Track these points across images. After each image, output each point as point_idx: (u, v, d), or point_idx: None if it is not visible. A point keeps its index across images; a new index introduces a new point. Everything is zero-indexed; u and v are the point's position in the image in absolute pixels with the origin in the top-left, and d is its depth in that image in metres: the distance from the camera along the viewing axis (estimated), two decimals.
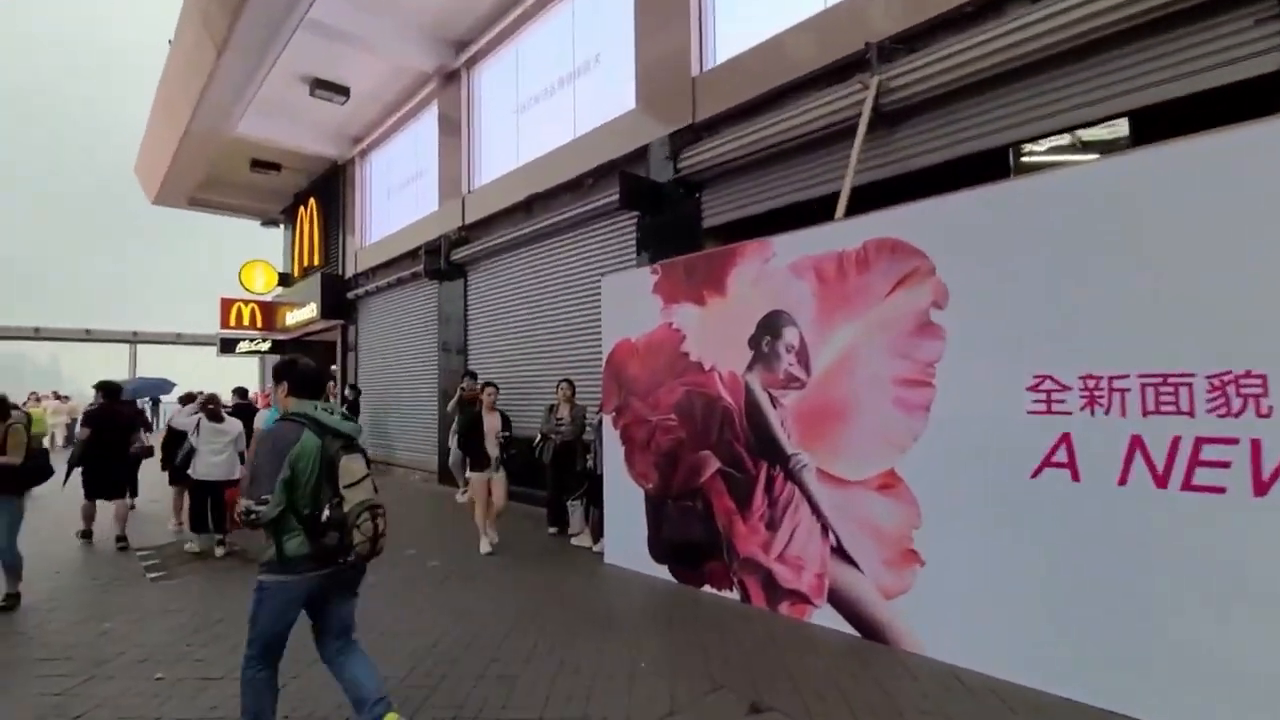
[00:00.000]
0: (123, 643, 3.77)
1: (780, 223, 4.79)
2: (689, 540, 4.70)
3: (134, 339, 29.38)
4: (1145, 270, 2.73)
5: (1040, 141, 4.60)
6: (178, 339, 29.86)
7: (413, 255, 10.70)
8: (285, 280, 15.76)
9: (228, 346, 15.73)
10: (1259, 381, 2.44)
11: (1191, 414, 2.59)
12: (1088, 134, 4.63)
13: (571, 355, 7.52)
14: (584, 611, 4.23)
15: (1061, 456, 2.94)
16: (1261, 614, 2.43)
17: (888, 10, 4.69)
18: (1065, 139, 4.66)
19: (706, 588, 4.56)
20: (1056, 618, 2.94)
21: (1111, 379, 2.81)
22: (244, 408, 7.26)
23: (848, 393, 3.74)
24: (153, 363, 28.17)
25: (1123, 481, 2.75)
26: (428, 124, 11.04)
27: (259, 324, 15.31)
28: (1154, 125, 3.84)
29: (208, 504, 5.92)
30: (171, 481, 7.01)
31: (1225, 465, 2.51)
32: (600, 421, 5.66)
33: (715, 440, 4.51)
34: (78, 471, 6.07)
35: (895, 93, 4.51)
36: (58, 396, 18.34)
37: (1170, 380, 2.65)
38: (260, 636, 2.34)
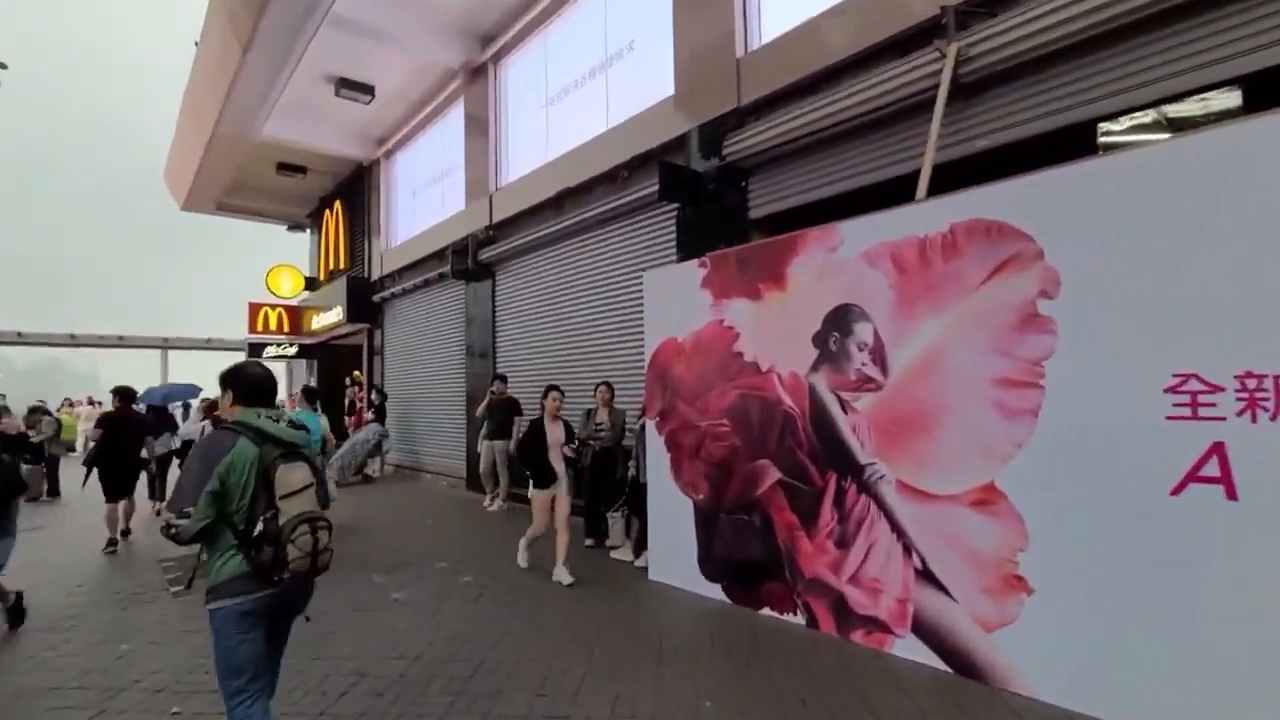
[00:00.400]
0: (139, 668, 3.50)
1: (835, 213, 4.35)
2: (745, 557, 4.29)
3: (165, 345, 29.82)
4: None
5: (1120, 120, 4.13)
6: (208, 344, 30.22)
7: (439, 256, 10.47)
8: (311, 284, 15.72)
9: (255, 351, 15.71)
10: None
11: None
12: (1175, 110, 4.14)
13: (606, 357, 7.16)
14: (632, 636, 3.85)
15: (1212, 470, 2.48)
16: None
17: None
18: (1148, 117, 4.18)
19: (765, 610, 4.15)
20: (1206, 661, 2.47)
21: (1277, 378, 2.35)
22: None
23: (935, 396, 3.30)
24: (184, 368, 28.55)
25: None
26: (454, 121, 10.81)
27: (286, 328, 15.32)
28: (1269, 94, 3.34)
29: None
30: None
31: None
32: (642, 427, 5.28)
33: (775, 448, 4.10)
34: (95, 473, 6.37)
35: (973, 61, 4.06)
36: (92, 402, 18.53)
37: None
38: (231, 671, 2.10)
